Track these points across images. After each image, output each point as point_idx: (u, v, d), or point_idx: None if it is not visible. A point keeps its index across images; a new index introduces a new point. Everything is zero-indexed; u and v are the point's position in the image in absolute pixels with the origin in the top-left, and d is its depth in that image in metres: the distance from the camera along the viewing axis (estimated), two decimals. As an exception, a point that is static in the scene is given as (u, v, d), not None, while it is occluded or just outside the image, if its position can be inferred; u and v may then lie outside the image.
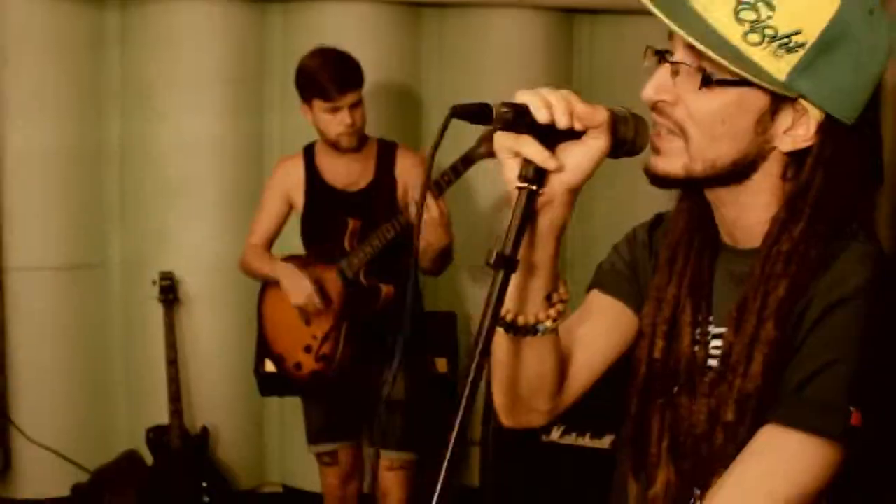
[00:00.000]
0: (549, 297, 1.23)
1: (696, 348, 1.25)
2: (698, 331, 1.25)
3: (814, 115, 1.14)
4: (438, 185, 2.89)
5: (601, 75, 3.84)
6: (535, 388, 1.31)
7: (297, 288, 3.04)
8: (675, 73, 1.16)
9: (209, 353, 3.76)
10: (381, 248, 2.97)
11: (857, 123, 1.15)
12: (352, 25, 3.61)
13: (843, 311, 1.10)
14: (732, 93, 1.13)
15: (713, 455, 1.18)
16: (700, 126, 1.15)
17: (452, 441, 1.03)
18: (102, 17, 3.69)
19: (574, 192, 1.16)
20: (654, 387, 1.26)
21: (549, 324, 1.24)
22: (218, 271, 3.70)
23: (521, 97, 1.10)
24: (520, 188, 1.11)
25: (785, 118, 1.15)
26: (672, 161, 1.18)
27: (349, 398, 3.13)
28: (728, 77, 1.12)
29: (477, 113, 1.06)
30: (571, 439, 3.05)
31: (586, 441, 3.03)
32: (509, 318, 1.23)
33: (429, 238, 2.85)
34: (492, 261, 1.08)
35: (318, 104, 2.98)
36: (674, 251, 1.29)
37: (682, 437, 1.23)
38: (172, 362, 3.59)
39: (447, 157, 2.85)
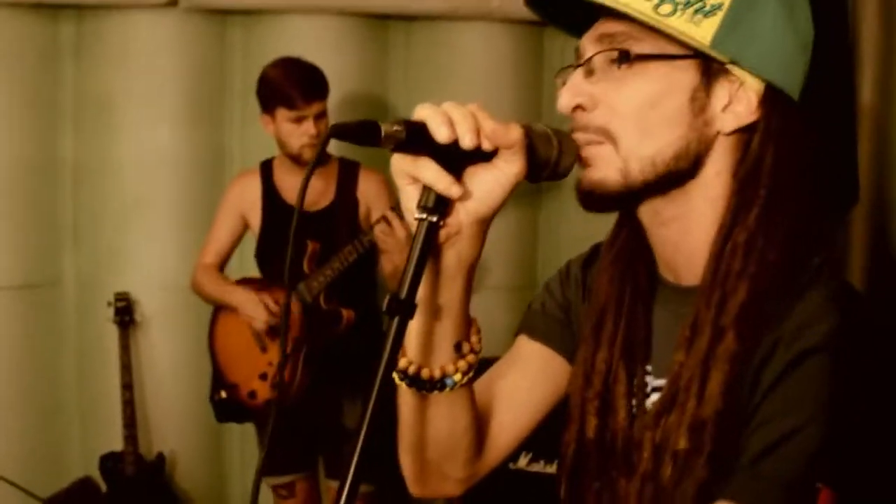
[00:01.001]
0: (458, 347, 1.07)
1: (636, 423, 1.09)
2: (634, 401, 1.10)
3: (752, 87, 1.03)
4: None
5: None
6: (445, 452, 1.16)
7: (257, 313, 2.93)
8: (589, 74, 1.05)
9: (166, 376, 3.65)
10: (341, 271, 2.87)
11: (804, 103, 1.04)
12: (315, 38, 3.53)
13: (809, 365, 0.95)
14: (657, 70, 1.02)
15: (662, 492, 1.03)
16: (627, 120, 1.02)
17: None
18: (57, 28, 3.58)
19: (485, 224, 1.01)
20: (588, 469, 1.11)
21: (457, 377, 1.07)
22: (176, 292, 3.57)
23: (420, 113, 0.96)
24: (418, 220, 0.96)
25: (721, 93, 1.03)
26: (605, 168, 1.04)
27: (306, 429, 3.02)
28: (649, 50, 1.01)
29: (362, 132, 0.91)
30: (539, 467, 2.99)
31: (554, 469, 2.95)
32: (412, 370, 1.07)
33: (395, 261, 2.77)
34: (384, 306, 0.93)
35: (283, 113, 2.89)
36: (601, 315, 1.14)
37: None
38: (128, 386, 3.48)
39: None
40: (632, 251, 1.14)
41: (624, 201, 1.08)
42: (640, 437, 1.08)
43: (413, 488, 1.22)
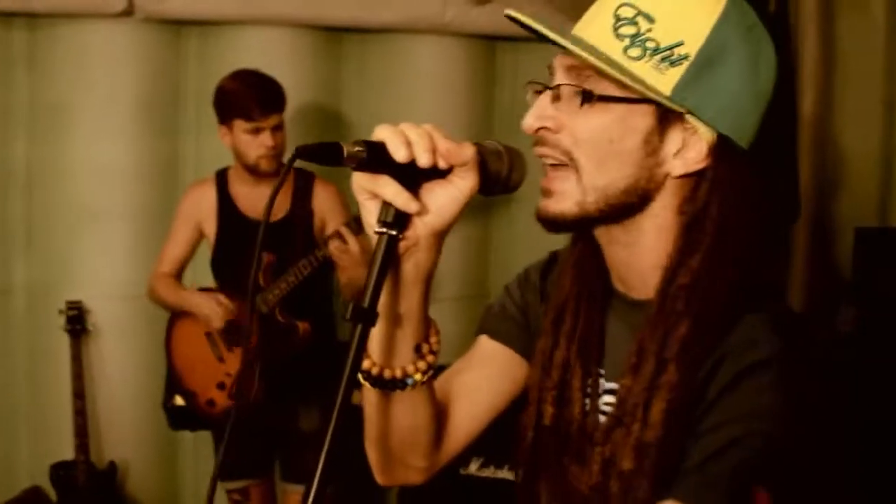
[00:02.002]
0: (418, 349, 1.15)
1: (588, 412, 1.18)
2: (588, 392, 1.18)
3: (704, 136, 1.09)
4: (358, 221, 2.84)
5: (523, 102, 3.79)
6: (407, 443, 1.24)
7: (213, 311, 2.95)
8: (556, 99, 1.11)
9: (118, 385, 3.63)
10: (297, 284, 2.90)
11: (752, 150, 1.11)
12: (270, 50, 3.55)
13: (753, 379, 1.03)
14: (616, 109, 1.07)
15: None
16: (586, 149, 1.09)
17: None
18: (9, 36, 3.56)
19: (440, 236, 1.08)
20: (543, 454, 1.19)
21: (418, 377, 1.15)
22: (128, 300, 3.58)
23: (379, 133, 1.02)
24: (378, 234, 1.03)
25: (674, 138, 1.09)
26: (565, 202, 1.11)
27: (262, 434, 3.05)
28: (610, 93, 1.07)
29: (325, 153, 0.97)
30: (490, 472, 3.05)
31: (505, 473, 3.01)
32: (375, 371, 1.14)
33: (350, 275, 2.81)
34: (349, 314, 0.99)
35: (240, 125, 2.91)
36: (560, 311, 1.22)
37: None
38: (79, 395, 3.46)
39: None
40: (588, 261, 1.21)
41: (580, 227, 1.15)
42: (591, 436, 1.15)
43: (379, 478, 1.29)
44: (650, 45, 1.06)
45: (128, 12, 3.45)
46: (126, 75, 3.56)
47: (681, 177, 1.11)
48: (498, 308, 1.33)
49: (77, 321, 3.49)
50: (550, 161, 1.12)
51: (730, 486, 1.00)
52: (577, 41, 1.08)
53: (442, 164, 1.04)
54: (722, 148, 1.09)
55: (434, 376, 1.19)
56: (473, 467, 3.06)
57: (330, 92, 3.74)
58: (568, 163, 1.10)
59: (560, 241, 1.40)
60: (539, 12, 1.07)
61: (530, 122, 1.12)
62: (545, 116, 1.11)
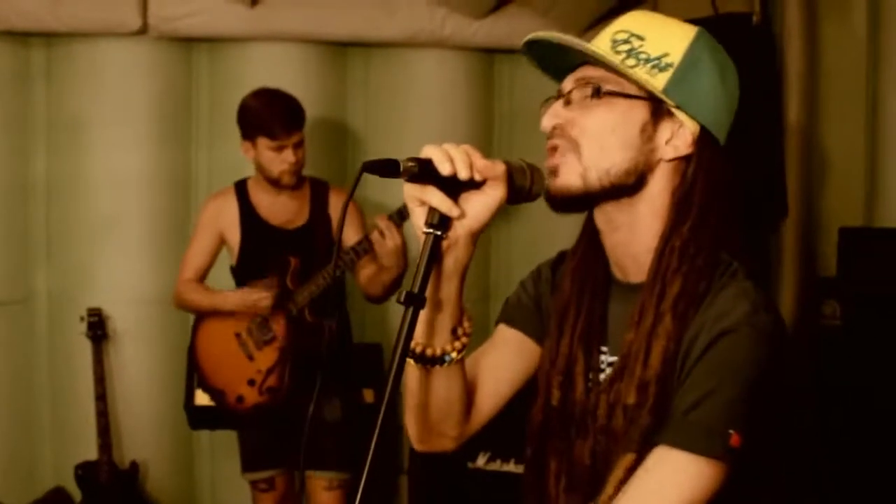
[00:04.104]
0: (454, 331, 1.35)
1: (590, 394, 1.37)
2: (591, 376, 1.39)
3: (690, 128, 1.33)
4: (401, 213, 3.00)
5: (521, 113, 3.98)
6: (443, 414, 1.43)
7: (259, 295, 3.07)
8: (567, 103, 1.34)
9: (137, 387, 3.76)
10: (326, 286, 3.05)
11: (727, 147, 1.35)
12: (277, 65, 3.68)
13: (726, 341, 1.24)
14: (619, 104, 1.31)
15: (613, 439, 1.31)
16: (592, 137, 1.31)
17: (367, 465, 1.17)
18: (28, 54, 3.70)
19: (475, 236, 1.30)
20: (552, 430, 1.40)
21: (454, 355, 1.36)
22: (146, 306, 3.72)
23: (427, 152, 1.23)
24: (426, 233, 1.24)
25: (665, 129, 1.33)
26: (568, 175, 1.32)
27: (286, 425, 3.17)
28: (616, 89, 1.31)
29: (386, 168, 1.18)
30: (497, 465, 3.13)
31: (511, 467, 3.11)
32: (418, 350, 1.35)
33: (387, 263, 2.96)
34: (401, 299, 1.19)
35: (264, 142, 3.06)
36: (564, 310, 1.43)
37: (578, 477, 1.36)
38: (101, 397, 3.59)
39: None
40: (590, 257, 1.43)
41: (584, 203, 1.36)
42: (595, 402, 1.35)
43: (416, 445, 1.50)
44: (643, 56, 1.32)
45: (142, 31, 3.59)
46: (140, 90, 3.69)
47: (671, 160, 1.33)
48: (514, 299, 1.55)
49: (97, 327, 3.62)
50: (558, 148, 1.34)
51: (708, 430, 1.21)
52: (588, 49, 1.31)
53: (478, 178, 1.25)
54: (703, 138, 1.34)
55: (465, 356, 1.39)
56: (481, 461, 3.15)
57: (335, 104, 3.87)
58: (572, 148, 1.32)
59: (556, 244, 1.59)
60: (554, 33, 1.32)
61: (547, 122, 1.35)
62: (559, 116, 1.34)
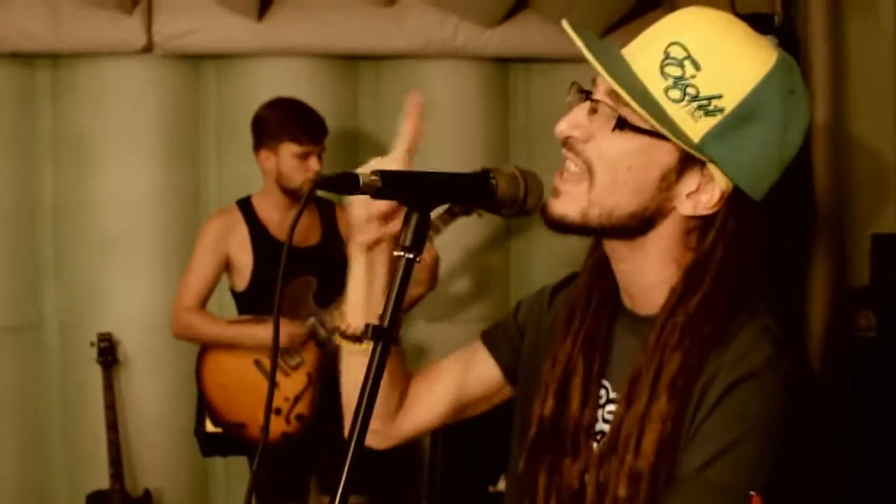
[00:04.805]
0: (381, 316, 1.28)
1: (586, 411, 1.23)
2: (590, 392, 1.24)
3: (720, 184, 1.14)
4: (434, 226, 2.93)
5: (537, 122, 3.88)
6: None
7: (296, 335, 2.98)
8: (592, 112, 1.16)
9: (150, 414, 3.68)
10: None
11: (763, 201, 1.15)
12: (287, 80, 3.60)
13: (746, 388, 1.09)
14: (644, 141, 1.13)
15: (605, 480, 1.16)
16: (605, 167, 1.14)
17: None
18: (34, 75, 3.65)
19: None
20: (543, 446, 1.25)
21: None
22: (157, 330, 3.61)
23: (388, 165, 1.15)
24: (397, 256, 1.12)
25: (690, 180, 1.15)
26: (570, 205, 1.17)
27: (301, 453, 3.07)
28: (642, 125, 1.12)
29: (343, 183, 1.06)
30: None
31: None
32: (342, 327, 1.32)
33: (420, 278, 2.92)
34: (368, 334, 1.09)
35: (289, 149, 2.98)
36: (572, 309, 1.29)
37: (566, 500, 1.21)
38: (112, 425, 3.51)
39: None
40: (604, 266, 1.28)
41: (580, 233, 1.22)
42: (580, 478, 1.21)
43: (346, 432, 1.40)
44: (691, 91, 1.10)
45: (147, 49, 3.52)
46: (147, 109, 3.63)
47: (689, 217, 1.17)
48: (503, 321, 1.44)
49: (108, 352, 3.55)
50: (572, 167, 1.18)
51: (725, 491, 1.06)
52: (624, 67, 1.13)
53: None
54: (735, 199, 1.15)
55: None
56: (502, 485, 3.08)
57: (347, 118, 3.79)
58: (585, 173, 1.16)
59: (580, 256, 1.47)
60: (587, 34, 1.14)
61: (564, 128, 1.18)
62: (579, 125, 1.17)
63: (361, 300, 1.30)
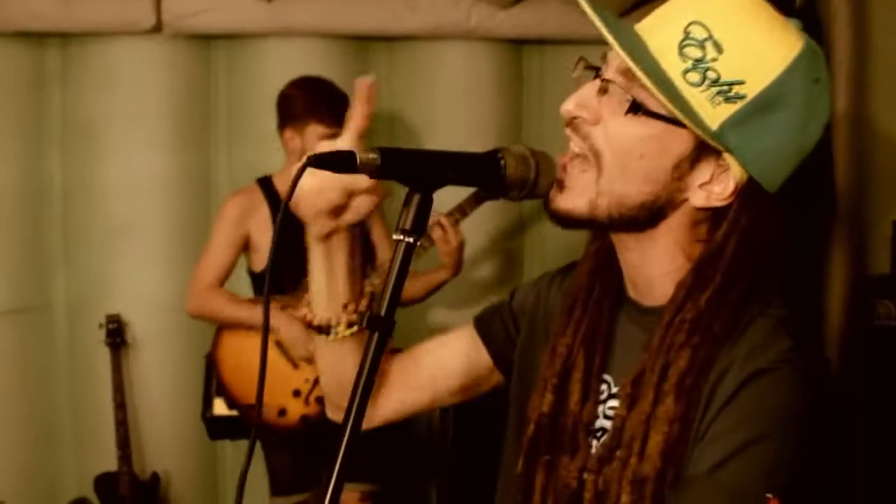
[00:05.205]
0: (345, 306, 1.26)
1: (586, 406, 1.17)
2: (591, 387, 1.18)
3: (735, 175, 1.08)
4: (461, 210, 2.88)
5: (551, 105, 3.77)
6: (338, 387, 1.33)
7: (301, 342, 2.93)
8: (602, 92, 1.09)
9: (159, 396, 3.66)
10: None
11: (778, 193, 1.09)
12: (299, 60, 3.54)
13: (761, 383, 1.03)
14: (658, 127, 1.06)
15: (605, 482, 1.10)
16: (616, 154, 1.07)
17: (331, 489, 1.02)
18: (42, 55, 3.61)
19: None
20: (541, 443, 1.19)
21: (340, 329, 1.27)
22: (166, 312, 3.61)
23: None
24: (397, 240, 1.05)
25: (704, 170, 1.08)
26: (576, 198, 1.11)
27: (315, 445, 3.02)
28: (659, 110, 1.05)
29: (338, 161, 1.00)
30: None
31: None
32: (308, 317, 1.28)
33: (447, 263, 2.92)
34: (364, 323, 1.02)
35: (315, 131, 2.93)
36: (574, 299, 1.23)
37: (563, 500, 1.15)
38: (120, 406, 3.49)
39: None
40: (607, 256, 1.21)
41: (587, 227, 1.15)
42: (587, 428, 1.16)
43: (328, 413, 1.41)
44: (711, 74, 1.03)
45: (156, 29, 3.48)
46: (157, 90, 3.59)
47: (699, 208, 1.10)
48: (497, 306, 1.38)
49: (116, 334, 3.52)
50: (576, 150, 1.11)
51: (740, 493, 0.99)
52: (638, 47, 1.05)
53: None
54: (750, 190, 1.08)
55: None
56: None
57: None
58: (592, 160, 1.09)
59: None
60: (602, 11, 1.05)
61: (570, 107, 1.11)
62: (587, 106, 1.10)
63: (323, 289, 1.26)
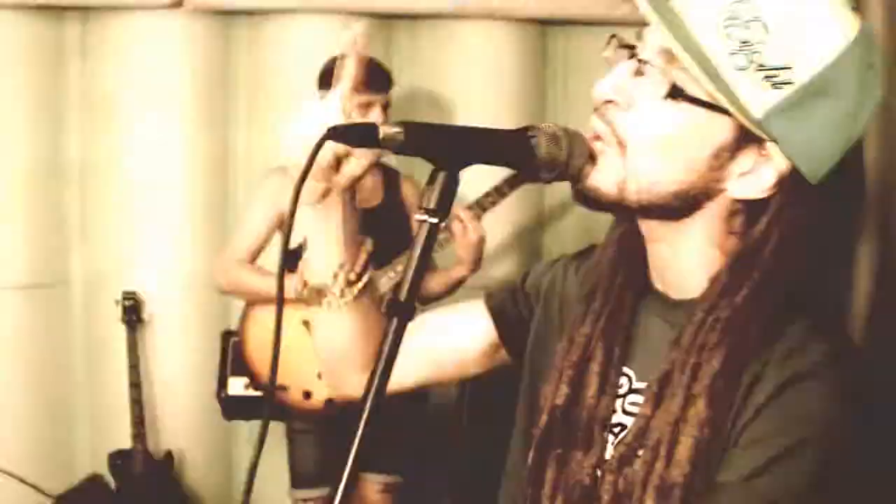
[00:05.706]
0: (342, 267, 1.25)
1: (603, 400, 1.11)
2: (609, 380, 1.12)
3: (777, 166, 1.00)
4: (481, 204, 2.81)
5: (575, 87, 3.77)
6: (338, 355, 1.31)
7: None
8: (638, 74, 1.02)
9: (174, 375, 3.65)
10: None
11: (820, 184, 1.02)
12: (320, 37, 3.50)
13: (802, 389, 0.96)
14: (699, 114, 0.99)
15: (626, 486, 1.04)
16: (647, 145, 1.01)
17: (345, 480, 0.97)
18: (62, 29, 3.58)
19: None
20: (553, 436, 1.12)
21: (336, 291, 1.25)
22: (183, 290, 3.60)
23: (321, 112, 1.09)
24: (420, 221, 0.97)
25: (745, 160, 1.01)
26: (605, 178, 1.04)
27: (338, 436, 2.98)
28: (700, 95, 0.98)
29: (359, 134, 0.95)
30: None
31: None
32: (304, 279, 1.26)
33: (466, 258, 2.85)
34: (384, 308, 0.96)
35: (352, 98, 2.89)
36: (594, 286, 1.16)
37: (575, 497, 1.09)
38: (135, 384, 3.48)
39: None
40: (632, 243, 1.15)
41: (614, 210, 1.09)
42: (602, 423, 1.10)
43: (329, 389, 1.37)
44: (757, 58, 0.96)
45: (177, 3, 3.45)
46: (177, 66, 3.56)
47: (736, 199, 1.04)
48: (509, 286, 1.34)
49: (133, 312, 3.50)
50: (600, 132, 1.05)
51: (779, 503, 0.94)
52: (681, 26, 0.98)
53: None
54: (793, 182, 1.01)
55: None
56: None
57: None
58: (616, 145, 1.03)
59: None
60: None
61: (605, 90, 1.04)
62: (620, 90, 1.03)
63: (319, 252, 1.25)
